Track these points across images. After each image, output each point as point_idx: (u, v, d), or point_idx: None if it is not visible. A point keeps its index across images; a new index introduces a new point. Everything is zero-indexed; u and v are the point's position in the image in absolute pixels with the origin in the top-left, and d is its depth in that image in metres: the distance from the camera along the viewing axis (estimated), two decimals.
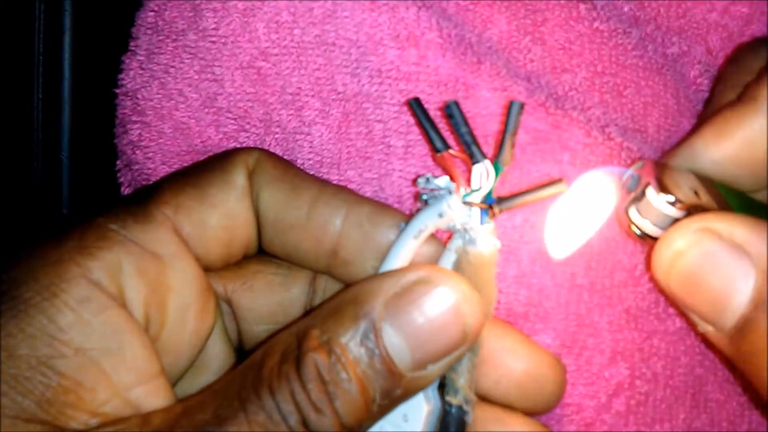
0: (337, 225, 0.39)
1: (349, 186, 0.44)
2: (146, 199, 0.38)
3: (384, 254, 0.38)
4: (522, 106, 0.36)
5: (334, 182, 0.43)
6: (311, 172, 0.44)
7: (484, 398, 0.39)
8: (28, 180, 0.54)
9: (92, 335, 0.33)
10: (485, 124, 0.43)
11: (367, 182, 0.44)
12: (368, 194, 0.44)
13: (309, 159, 0.45)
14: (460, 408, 0.35)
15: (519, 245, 0.42)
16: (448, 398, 0.35)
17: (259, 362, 0.33)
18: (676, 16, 0.47)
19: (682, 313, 0.42)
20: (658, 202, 0.37)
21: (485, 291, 0.35)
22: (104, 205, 0.37)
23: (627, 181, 0.38)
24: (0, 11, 0.53)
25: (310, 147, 0.44)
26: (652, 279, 0.42)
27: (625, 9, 0.47)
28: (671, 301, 0.42)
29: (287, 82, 0.44)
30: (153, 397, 0.34)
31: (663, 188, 0.37)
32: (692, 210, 0.36)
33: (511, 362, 0.39)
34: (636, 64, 0.46)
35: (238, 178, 0.39)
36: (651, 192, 0.37)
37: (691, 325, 0.42)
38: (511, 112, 0.36)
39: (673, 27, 0.47)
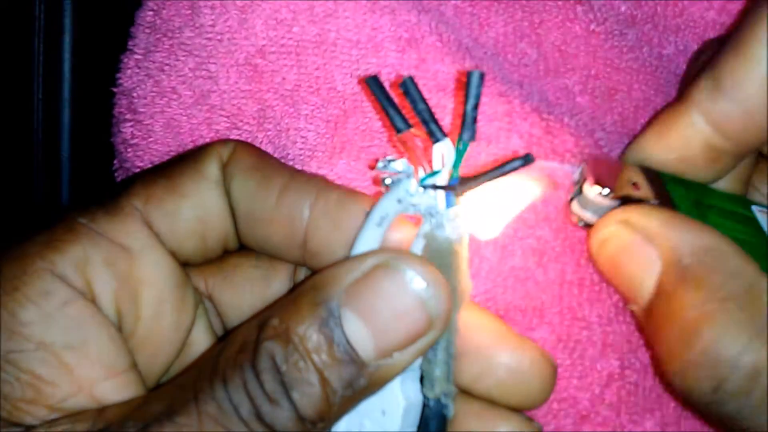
0: (306, 214, 0.37)
1: (341, 178, 0.43)
2: (119, 192, 0.37)
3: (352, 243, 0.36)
4: (482, 75, 0.33)
5: (325, 174, 0.42)
6: (301, 166, 0.43)
7: (466, 392, 0.37)
8: (28, 180, 0.54)
9: (55, 329, 0.32)
10: (482, 128, 0.42)
11: (361, 173, 0.43)
12: (361, 186, 0.42)
13: (300, 154, 0.44)
14: (438, 401, 0.34)
15: (513, 241, 0.42)
16: (424, 391, 0.34)
17: (218, 353, 0.31)
18: (673, 15, 0.47)
19: None
20: (592, 193, 0.39)
21: (455, 276, 0.34)
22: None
23: (576, 177, 0.40)
24: (0, 11, 0.53)
25: (303, 141, 0.44)
26: None
27: (622, 9, 0.47)
28: None
29: (285, 79, 0.44)
30: (121, 391, 0.33)
31: (599, 182, 0.39)
32: (626, 201, 0.39)
33: (494, 357, 0.36)
34: (630, 66, 0.46)
35: (211, 168, 0.38)
36: (587, 185, 0.39)
37: None
38: (470, 82, 0.33)
39: (670, 26, 0.47)
